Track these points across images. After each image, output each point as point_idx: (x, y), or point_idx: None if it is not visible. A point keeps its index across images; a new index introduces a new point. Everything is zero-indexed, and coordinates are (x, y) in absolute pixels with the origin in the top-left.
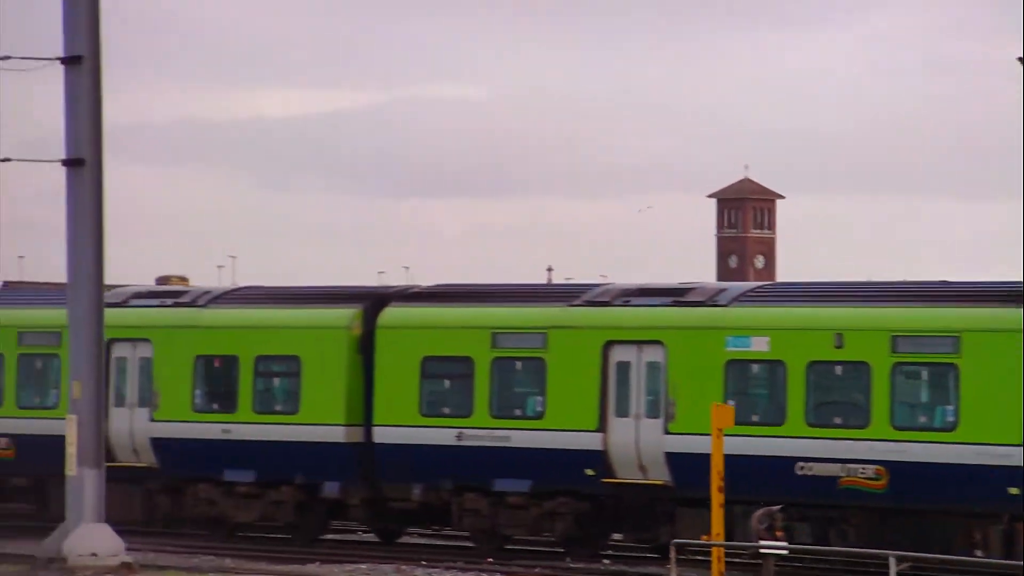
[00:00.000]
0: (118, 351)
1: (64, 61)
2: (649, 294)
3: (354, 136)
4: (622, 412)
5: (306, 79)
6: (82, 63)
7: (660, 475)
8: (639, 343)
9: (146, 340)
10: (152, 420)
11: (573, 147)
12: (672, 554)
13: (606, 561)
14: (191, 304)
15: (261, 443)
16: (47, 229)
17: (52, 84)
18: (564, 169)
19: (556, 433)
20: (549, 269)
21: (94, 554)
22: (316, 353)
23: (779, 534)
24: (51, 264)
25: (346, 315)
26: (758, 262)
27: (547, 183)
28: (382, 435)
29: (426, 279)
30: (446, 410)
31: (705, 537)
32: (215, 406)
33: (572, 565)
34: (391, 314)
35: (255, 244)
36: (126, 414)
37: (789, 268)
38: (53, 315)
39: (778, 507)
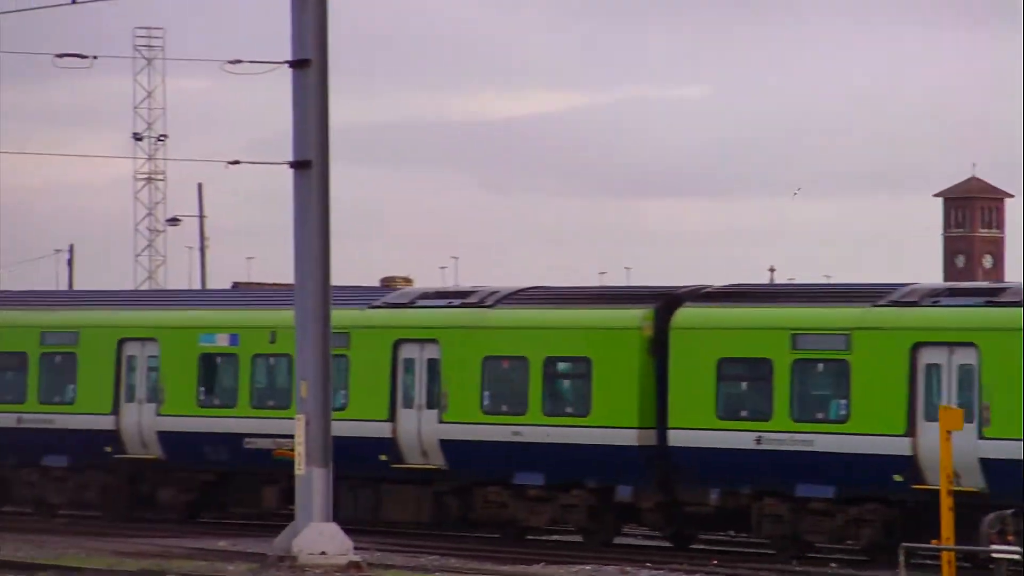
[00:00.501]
0: (406, 352)
1: (292, 65)
2: (959, 294)
3: (575, 137)
4: (931, 416)
5: (528, 81)
6: (310, 66)
7: (974, 482)
8: (950, 344)
9: (433, 341)
10: (440, 422)
11: (795, 147)
12: (901, 558)
13: (833, 564)
14: (479, 304)
15: (551, 445)
16: (274, 230)
17: (280, 87)
18: (786, 169)
19: (862, 437)
20: (771, 269)
21: (323, 553)
22: (607, 354)
23: (1011, 538)
24: (278, 265)
25: (637, 316)
26: (987, 261)
27: (768, 183)
28: (678, 438)
29: (645, 279)
30: (744, 413)
31: (935, 541)
32: (504, 408)
33: (797, 568)
34: (685, 315)
35: (477, 245)
36: (414, 415)
37: (1018, 268)
38: (337, 316)
39: (1010, 511)
